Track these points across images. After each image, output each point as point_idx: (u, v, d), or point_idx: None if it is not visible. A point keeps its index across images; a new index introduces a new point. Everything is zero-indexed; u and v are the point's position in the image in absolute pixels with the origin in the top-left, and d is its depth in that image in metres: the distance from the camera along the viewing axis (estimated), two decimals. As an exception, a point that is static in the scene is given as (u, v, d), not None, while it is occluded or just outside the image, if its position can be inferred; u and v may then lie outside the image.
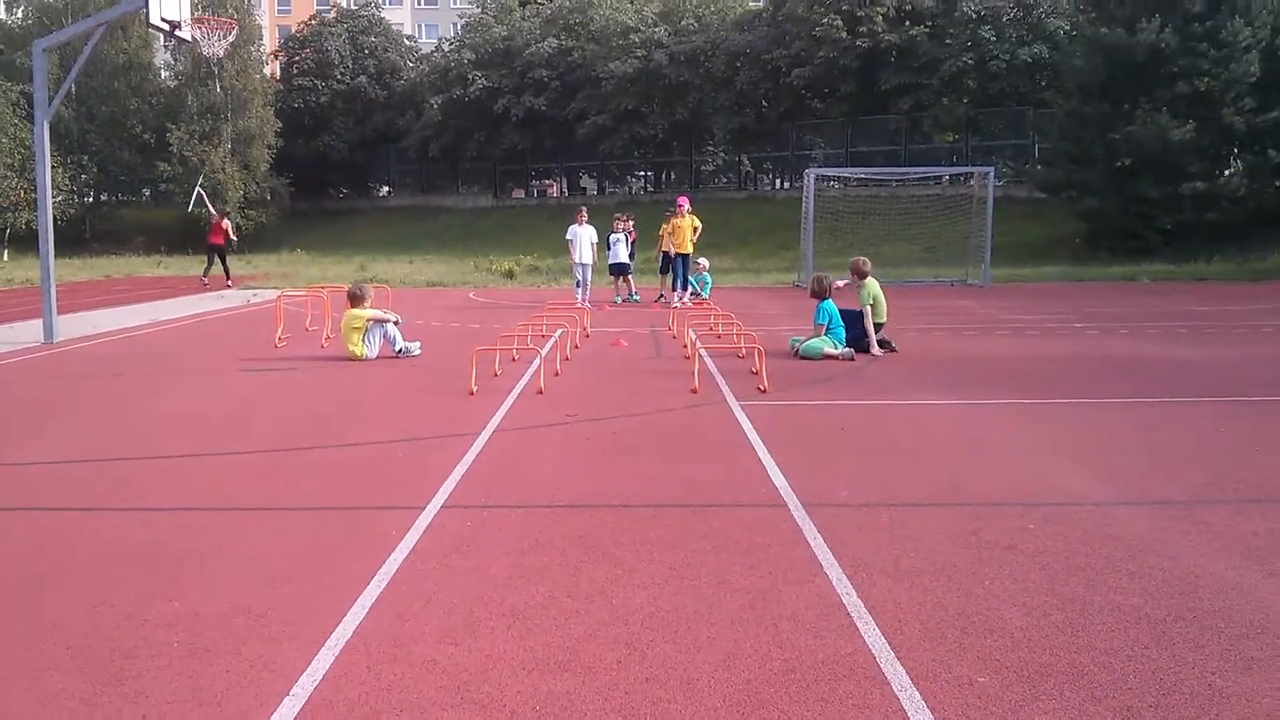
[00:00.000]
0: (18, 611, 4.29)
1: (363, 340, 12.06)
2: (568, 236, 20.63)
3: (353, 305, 12.18)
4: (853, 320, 12.26)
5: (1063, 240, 34.67)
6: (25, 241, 45.59)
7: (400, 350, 12.23)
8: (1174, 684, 3.54)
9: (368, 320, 12.12)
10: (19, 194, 46.43)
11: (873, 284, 12.54)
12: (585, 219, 20.60)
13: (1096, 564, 4.75)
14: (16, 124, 46.35)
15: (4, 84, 47.52)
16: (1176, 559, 4.82)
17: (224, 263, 26.68)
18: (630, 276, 21.43)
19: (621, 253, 20.94)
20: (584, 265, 20.28)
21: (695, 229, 20.48)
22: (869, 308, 12.31)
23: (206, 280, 26.36)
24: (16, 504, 6.02)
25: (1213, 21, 31.19)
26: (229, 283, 26.52)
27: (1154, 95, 31.48)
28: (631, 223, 21.71)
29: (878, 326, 12.42)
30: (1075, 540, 5.10)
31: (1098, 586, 4.46)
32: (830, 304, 12.14)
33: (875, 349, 12.17)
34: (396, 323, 12.41)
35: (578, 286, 20.32)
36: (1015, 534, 5.20)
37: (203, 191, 32.39)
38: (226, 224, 27.16)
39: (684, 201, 20.76)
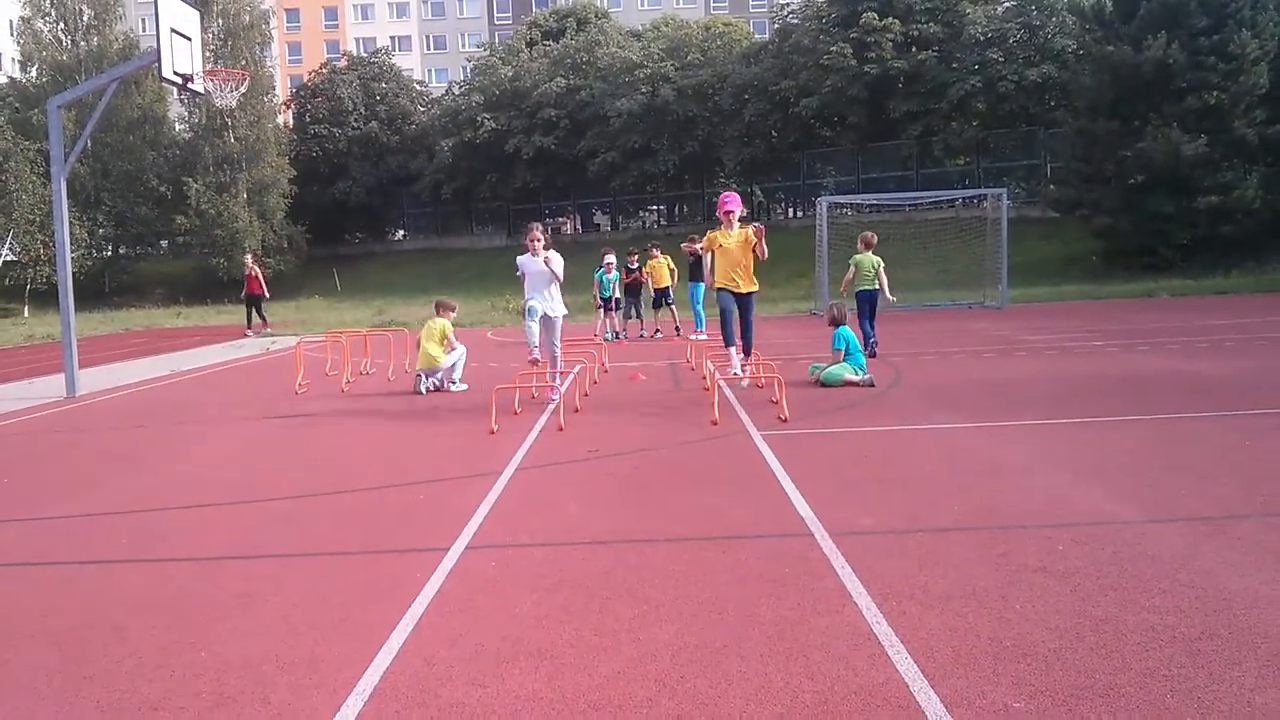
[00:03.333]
0: (47, 668, 4.28)
1: (443, 349, 12.99)
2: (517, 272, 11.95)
3: (439, 314, 13.29)
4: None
5: (1078, 259, 34.62)
6: (46, 297, 46.14)
7: (450, 382, 13.09)
8: (1212, 703, 3.49)
9: (448, 332, 13.06)
10: (39, 250, 46.97)
11: (846, 330, 12.32)
12: (540, 244, 11.50)
13: (1128, 583, 4.70)
14: (35, 181, 47.00)
15: (21, 142, 48.19)
16: (1209, 575, 4.76)
17: (260, 311, 27.68)
18: (616, 314, 20.69)
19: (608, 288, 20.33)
20: (532, 308, 11.55)
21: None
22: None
23: (252, 330, 27.31)
24: (42, 558, 6.04)
25: (1220, 35, 31.25)
26: (265, 327, 27.54)
27: (1163, 111, 31.54)
28: (611, 257, 20.61)
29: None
30: (1105, 560, 5.05)
31: (1130, 606, 4.41)
32: (847, 330, 12.13)
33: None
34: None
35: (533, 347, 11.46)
36: (1045, 555, 5.15)
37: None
38: (257, 271, 27.68)
39: (735, 200, 12.38)
